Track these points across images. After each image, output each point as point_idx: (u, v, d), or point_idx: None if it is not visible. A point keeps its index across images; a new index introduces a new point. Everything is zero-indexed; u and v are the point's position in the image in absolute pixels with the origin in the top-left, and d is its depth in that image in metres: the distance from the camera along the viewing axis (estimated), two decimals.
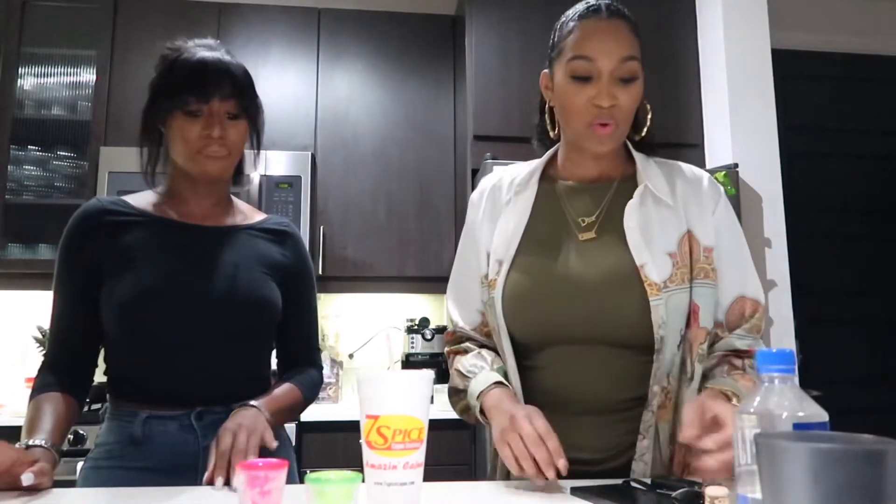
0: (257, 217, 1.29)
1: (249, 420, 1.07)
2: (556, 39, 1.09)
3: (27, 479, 0.89)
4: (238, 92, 1.15)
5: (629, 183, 1.11)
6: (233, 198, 1.29)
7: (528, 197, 1.13)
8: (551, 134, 1.16)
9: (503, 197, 1.16)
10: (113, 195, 1.25)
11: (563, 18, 1.09)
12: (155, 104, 1.16)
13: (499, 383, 1.06)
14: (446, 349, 1.25)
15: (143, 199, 1.22)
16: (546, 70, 1.12)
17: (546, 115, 1.16)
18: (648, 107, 1.11)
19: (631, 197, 1.08)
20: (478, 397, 1.06)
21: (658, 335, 1.01)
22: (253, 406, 1.12)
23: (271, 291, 1.21)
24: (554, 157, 1.18)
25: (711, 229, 1.08)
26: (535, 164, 1.17)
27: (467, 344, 1.20)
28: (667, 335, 1.02)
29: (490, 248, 1.14)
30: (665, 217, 1.07)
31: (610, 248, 1.06)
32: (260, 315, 1.19)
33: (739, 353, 1.08)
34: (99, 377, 1.20)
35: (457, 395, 1.15)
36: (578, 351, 1.05)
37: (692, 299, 1.06)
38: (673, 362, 1.04)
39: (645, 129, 1.12)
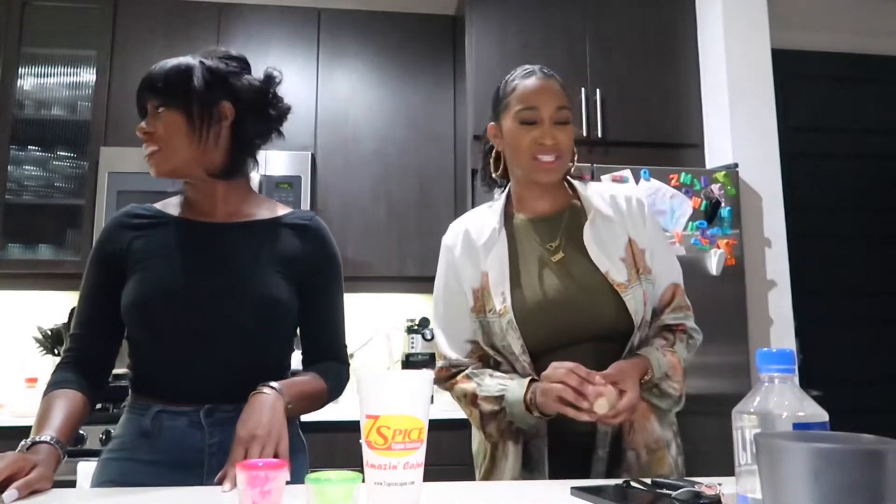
0: (280, 212, 1.31)
1: (265, 425, 1.03)
2: (501, 95, 1.33)
3: (9, 496, 0.88)
4: (164, 86, 1.17)
5: (575, 209, 1.34)
6: (256, 193, 1.32)
7: (504, 237, 1.32)
8: (494, 175, 1.38)
9: (478, 241, 1.32)
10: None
11: (505, 80, 1.34)
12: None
13: (533, 380, 1.18)
14: (444, 385, 1.32)
15: (169, 204, 1.27)
16: (492, 123, 1.34)
17: (490, 160, 1.38)
18: (574, 149, 1.34)
19: (580, 220, 1.31)
20: (525, 396, 1.16)
21: (636, 321, 1.23)
22: (273, 389, 1.09)
23: (283, 291, 1.20)
24: (508, 198, 1.37)
25: (646, 236, 1.31)
26: (498, 209, 1.34)
27: (469, 371, 1.28)
28: (639, 321, 1.23)
29: (474, 284, 1.30)
30: (611, 231, 1.29)
31: (578, 264, 1.27)
32: (270, 314, 1.19)
33: (672, 328, 1.30)
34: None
35: (491, 418, 1.22)
36: (570, 350, 1.20)
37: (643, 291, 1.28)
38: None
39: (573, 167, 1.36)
